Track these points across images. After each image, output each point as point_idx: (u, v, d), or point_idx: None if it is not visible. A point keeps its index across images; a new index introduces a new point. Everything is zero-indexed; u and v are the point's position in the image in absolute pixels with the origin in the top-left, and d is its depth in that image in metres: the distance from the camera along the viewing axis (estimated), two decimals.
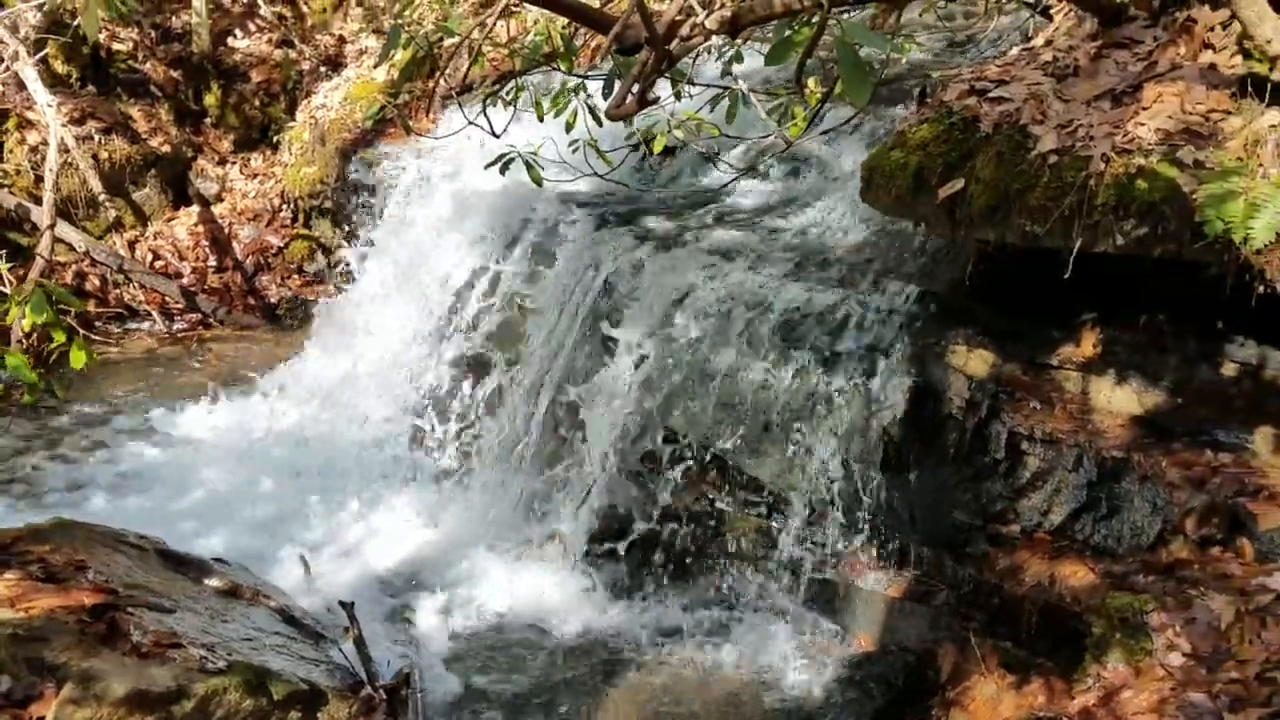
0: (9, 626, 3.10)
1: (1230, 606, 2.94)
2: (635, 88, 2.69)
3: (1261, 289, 3.21)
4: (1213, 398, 3.64)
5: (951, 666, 3.69)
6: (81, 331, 6.36)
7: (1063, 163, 3.43)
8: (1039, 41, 4.13)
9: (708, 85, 3.99)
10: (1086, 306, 3.90)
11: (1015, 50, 4.24)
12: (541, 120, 4.07)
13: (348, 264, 6.79)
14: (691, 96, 4.00)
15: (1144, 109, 3.43)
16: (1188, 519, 3.36)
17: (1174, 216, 3.23)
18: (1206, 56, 3.51)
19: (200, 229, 7.95)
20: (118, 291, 7.43)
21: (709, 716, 3.89)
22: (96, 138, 7.64)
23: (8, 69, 7.06)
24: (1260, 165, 3.13)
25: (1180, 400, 3.67)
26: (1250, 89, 3.33)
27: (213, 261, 7.90)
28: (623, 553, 4.61)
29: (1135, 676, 2.92)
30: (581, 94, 4.01)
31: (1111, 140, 3.36)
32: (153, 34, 8.39)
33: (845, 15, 3.30)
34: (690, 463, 4.48)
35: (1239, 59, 3.42)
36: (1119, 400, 3.75)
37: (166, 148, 8.08)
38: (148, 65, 8.25)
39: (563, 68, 3.97)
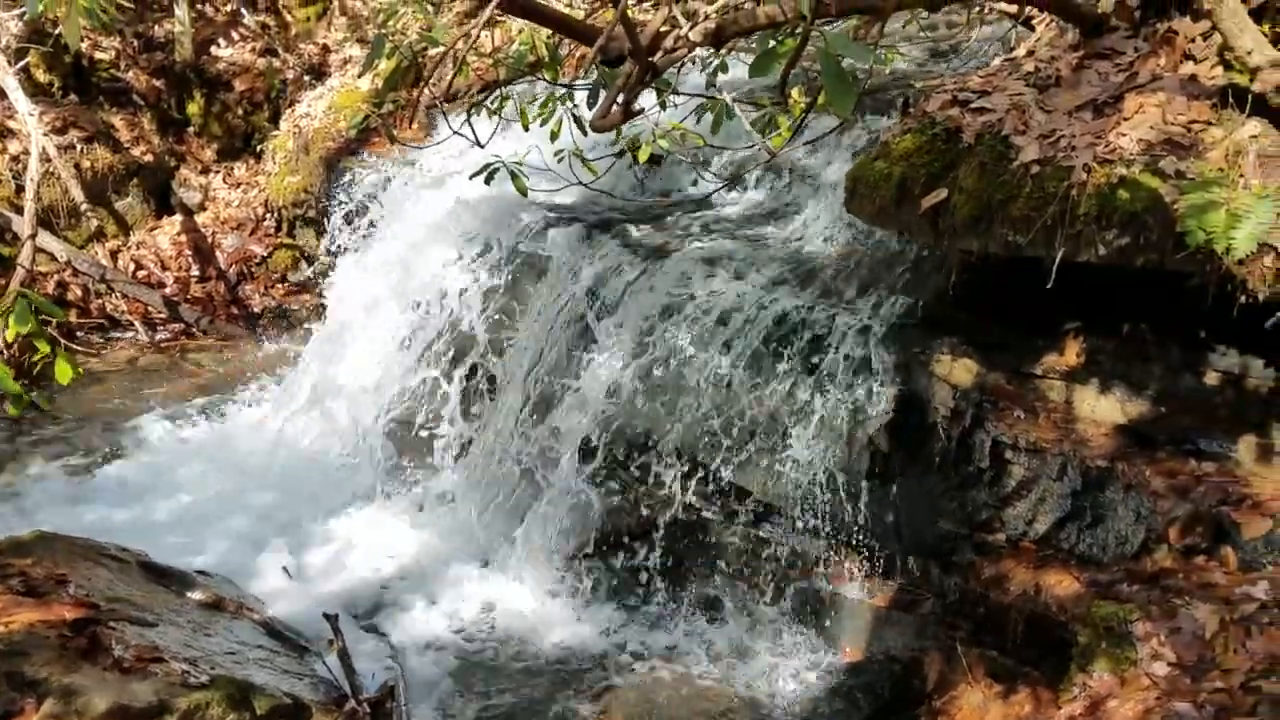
0: None
1: (1215, 615, 2.95)
2: (620, 99, 2.69)
3: (1243, 299, 3.23)
4: (1196, 407, 3.66)
5: (938, 676, 3.70)
6: (63, 342, 6.33)
7: (1045, 173, 3.44)
8: (1021, 52, 4.15)
9: (692, 95, 3.99)
10: (1070, 316, 3.92)
11: (997, 61, 4.26)
12: (527, 130, 4.07)
13: (332, 274, 6.77)
14: (676, 106, 4.00)
15: (1125, 119, 3.45)
16: (1172, 528, 3.37)
17: (1156, 226, 3.24)
18: (1187, 67, 3.53)
19: (183, 238, 7.92)
20: (100, 301, 7.38)
21: None
22: (78, 147, 7.60)
23: None
24: (1241, 175, 3.14)
25: (1164, 409, 3.69)
26: (1231, 100, 3.35)
27: (196, 271, 7.86)
28: (607, 563, 4.59)
29: (1121, 686, 2.92)
30: (566, 104, 4.00)
31: (1093, 150, 3.38)
32: (135, 43, 8.36)
33: (829, 27, 3.31)
34: (675, 472, 4.47)
35: (1220, 70, 3.44)
36: (1103, 409, 3.77)
37: (149, 157, 8.05)
38: (130, 74, 8.22)
39: (548, 78, 3.97)
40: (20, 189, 7.00)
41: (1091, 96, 3.57)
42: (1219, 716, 2.66)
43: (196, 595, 4.11)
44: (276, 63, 8.61)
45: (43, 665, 3.06)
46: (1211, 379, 3.67)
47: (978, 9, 5.01)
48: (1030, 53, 4.03)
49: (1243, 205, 2.98)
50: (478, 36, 3.40)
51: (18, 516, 5.07)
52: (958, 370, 3.97)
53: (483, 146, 3.73)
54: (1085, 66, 3.71)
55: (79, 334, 7.11)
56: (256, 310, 7.81)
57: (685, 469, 4.45)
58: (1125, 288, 3.68)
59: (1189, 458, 3.53)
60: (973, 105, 3.80)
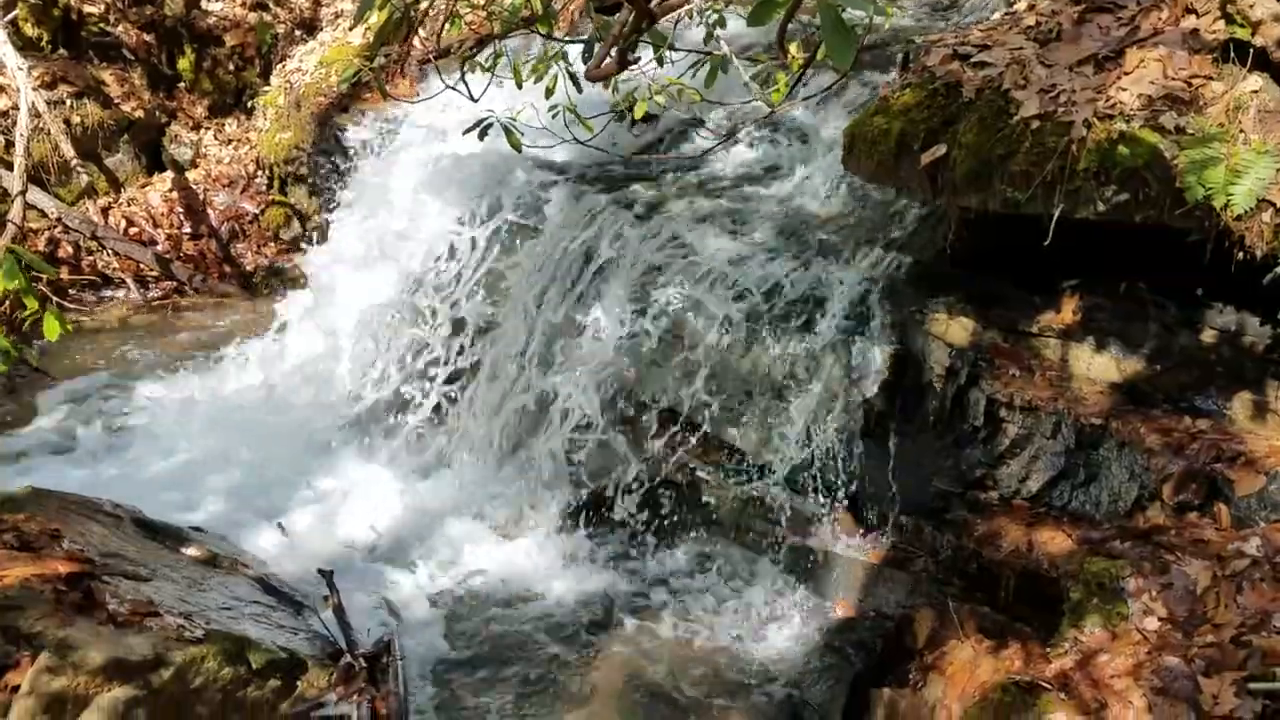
0: None
1: (1206, 571, 2.97)
2: (615, 49, 2.66)
3: (1241, 255, 3.22)
4: (1192, 364, 3.66)
5: (930, 632, 3.72)
6: (55, 299, 6.30)
7: (1045, 128, 3.42)
8: (1022, 6, 4.10)
9: (689, 50, 3.94)
10: (1068, 274, 3.90)
11: (998, 15, 4.21)
12: (520, 86, 4.02)
13: (324, 230, 6.72)
14: (673, 62, 3.95)
15: (1126, 74, 3.41)
16: (1165, 485, 3.38)
17: (1155, 182, 3.22)
18: (1189, 21, 3.49)
19: (175, 195, 7.84)
20: (91, 259, 7.32)
21: (689, 682, 3.90)
22: (68, 102, 7.50)
23: None
24: (1241, 131, 3.12)
25: (1159, 367, 3.69)
26: (1232, 54, 3.32)
27: (187, 229, 7.79)
28: (602, 520, 4.60)
29: (1112, 641, 2.94)
30: (561, 59, 3.95)
31: (1094, 105, 3.35)
32: None
33: None
34: (671, 430, 4.47)
35: (1221, 24, 3.41)
36: (1098, 367, 3.76)
37: (140, 113, 7.95)
38: (120, 28, 8.10)
39: (542, 31, 3.91)
40: (10, 144, 6.92)
41: (1092, 51, 3.54)
42: (1209, 670, 2.68)
43: (191, 551, 4.11)
44: (267, 17, 8.48)
45: (38, 619, 3.06)
46: (1208, 336, 3.66)
47: None
48: (1031, 6, 3.98)
49: (1242, 161, 2.97)
50: None
51: (10, 473, 5.05)
52: (954, 329, 3.96)
53: (476, 101, 3.68)
54: (1087, 20, 3.67)
55: (71, 291, 7.05)
56: (249, 268, 7.75)
57: (680, 427, 4.44)
58: (1124, 245, 3.66)
59: (1184, 415, 3.53)
60: (973, 60, 3.76)
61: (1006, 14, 4.10)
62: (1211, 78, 3.33)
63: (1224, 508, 3.26)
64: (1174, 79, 3.35)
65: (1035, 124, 3.44)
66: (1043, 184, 3.39)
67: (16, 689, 2.91)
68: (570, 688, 3.89)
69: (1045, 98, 3.47)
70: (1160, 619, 2.91)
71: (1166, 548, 3.19)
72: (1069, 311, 3.86)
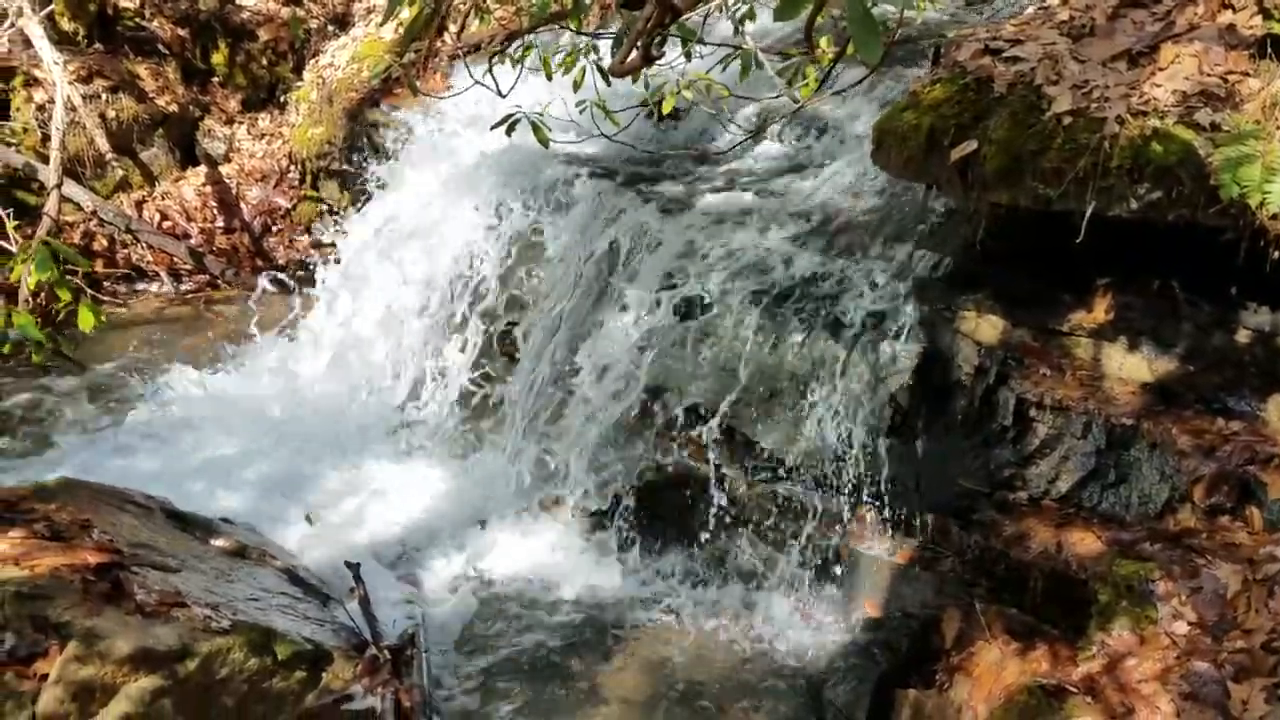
0: (13, 584, 3.10)
1: (1237, 575, 2.93)
2: (639, 43, 2.64)
3: (1276, 254, 3.17)
4: (1225, 365, 3.61)
5: (956, 633, 3.69)
6: (89, 291, 6.38)
7: (1077, 124, 3.37)
8: (1055, 0, 4.05)
9: (718, 45, 3.92)
10: (1100, 272, 3.85)
11: (1031, 9, 4.16)
12: (550, 79, 4.02)
13: (355, 225, 6.75)
14: (702, 57, 3.94)
15: (1161, 70, 3.37)
16: (1197, 487, 3.34)
17: (1189, 180, 3.17)
18: (1225, 16, 3.44)
19: (208, 189, 7.91)
20: (125, 252, 7.40)
21: (714, 681, 3.89)
22: (103, 96, 7.59)
23: (13, 25, 7.02)
24: (1278, 128, 3.07)
25: (1192, 367, 3.63)
26: (1270, 50, 3.26)
27: (220, 222, 7.86)
28: (628, 517, 4.60)
29: (1140, 645, 2.90)
30: (590, 54, 3.95)
31: (1127, 102, 3.31)
32: None
33: None
34: (696, 428, 4.46)
35: (1258, 19, 3.35)
36: (1130, 367, 3.71)
37: (174, 107, 8.03)
38: (155, 23, 8.19)
39: (572, 26, 3.91)
40: (46, 138, 7.01)
41: (1126, 46, 3.49)
42: (1239, 676, 2.64)
43: (219, 542, 4.15)
44: (300, 12, 8.55)
45: (66, 608, 3.10)
46: (1242, 337, 3.61)
47: None
48: (1065, 1, 3.93)
49: (1278, 158, 2.92)
50: None
51: (43, 463, 5.12)
52: (983, 327, 3.93)
53: (504, 97, 3.68)
54: (1121, 15, 3.63)
55: (105, 284, 7.14)
56: (281, 262, 7.81)
57: (706, 425, 4.43)
58: (1156, 243, 3.61)
59: (1216, 416, 3.48)
60: (1005, 54, 3.72)
61: (1039, 8, 4.06)
62: (1248, 74, 3.27)
63: (1256, 511, 3.21)
64: (1209, 75, 3.29)
65: (1067, 120, 3.40)
66: (1074, 181, 3.35)
67: (45, 677, 2.95)
68: (591, 684, 3.89)
69: (1078, 93, 3.43)
70: (1189, 623, 2.88)
71: (1197, 551, 3.15)
72: (1100, 310, 3.81)
